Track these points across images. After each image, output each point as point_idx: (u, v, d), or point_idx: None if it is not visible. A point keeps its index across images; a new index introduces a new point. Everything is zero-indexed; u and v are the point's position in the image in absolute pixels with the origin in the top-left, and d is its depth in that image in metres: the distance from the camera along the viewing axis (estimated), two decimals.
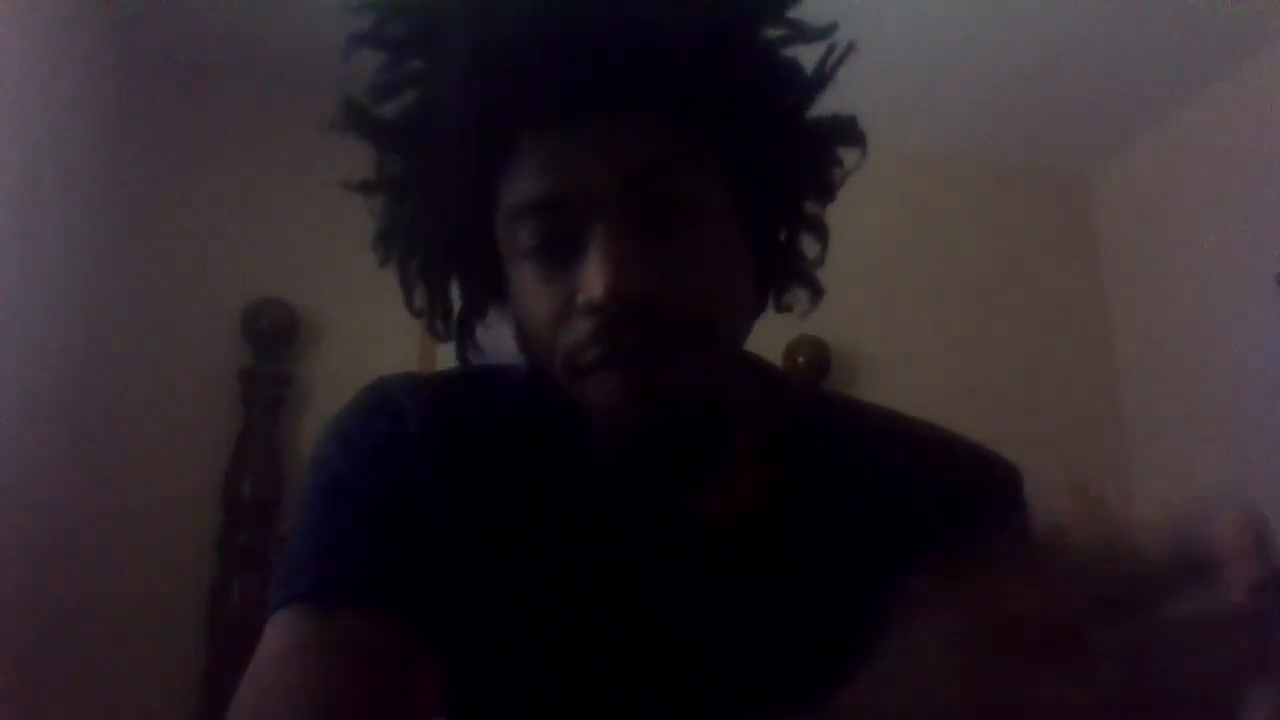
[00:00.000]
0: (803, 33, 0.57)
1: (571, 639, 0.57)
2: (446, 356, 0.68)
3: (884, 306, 2.45)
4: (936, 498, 0.61)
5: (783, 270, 0.63)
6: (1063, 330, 2.66)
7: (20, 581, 1.74)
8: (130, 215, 2.15)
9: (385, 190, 0.60)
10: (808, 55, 0.59)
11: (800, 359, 2.27)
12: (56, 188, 1.86)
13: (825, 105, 0.60)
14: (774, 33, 0.57)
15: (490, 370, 0.65)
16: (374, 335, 2.08)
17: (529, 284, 0.55)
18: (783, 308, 0.64)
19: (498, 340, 0.64)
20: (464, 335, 0.64)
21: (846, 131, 0.60)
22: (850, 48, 0.58)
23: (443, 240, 0.60)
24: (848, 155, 0.62)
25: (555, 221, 0.53)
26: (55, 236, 1.87)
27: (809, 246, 0.64)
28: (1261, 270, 2.16)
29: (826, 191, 0.62)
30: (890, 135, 0.66)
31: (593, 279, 0.51)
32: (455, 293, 0.63)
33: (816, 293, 0.64)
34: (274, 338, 2.11)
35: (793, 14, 0.57)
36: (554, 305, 0.54)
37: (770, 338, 0.58)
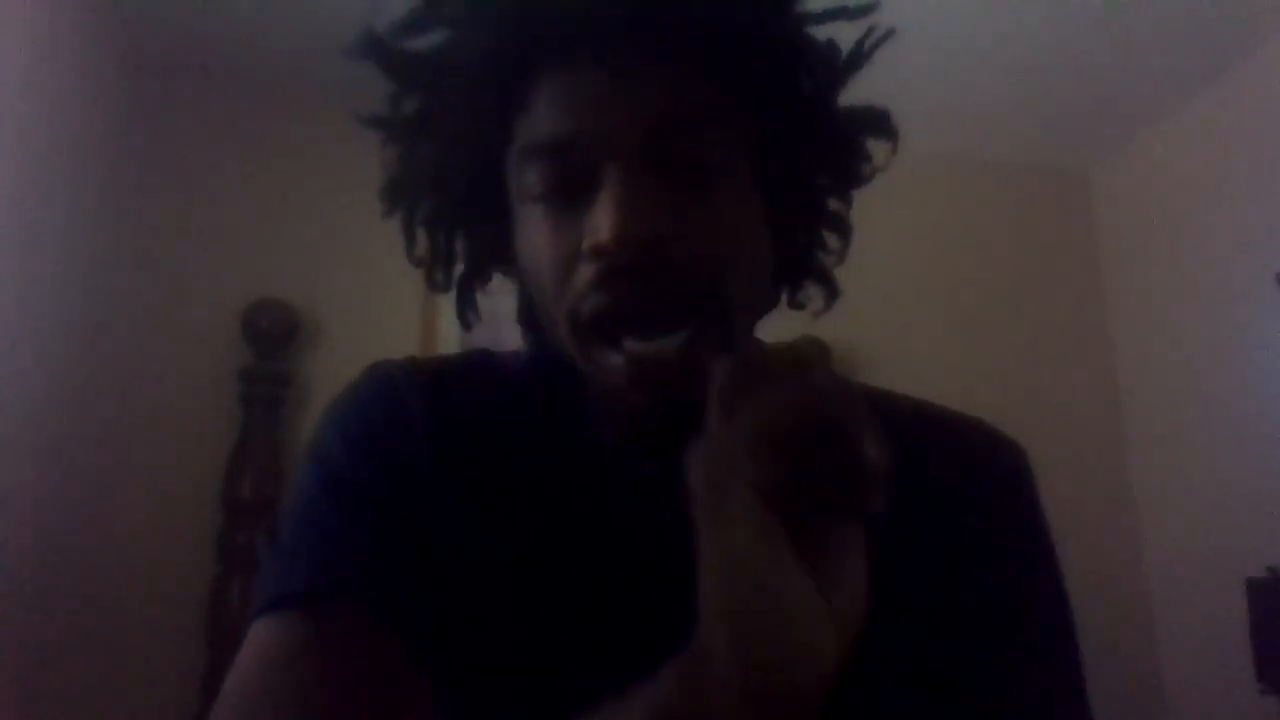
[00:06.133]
0: (842, 10, 0.55)
1: (581, 632, 0.55)
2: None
3: (884, 306, 2.45)
4: (947, 471, 0.59)
5: (800, 265, 0.60)
6: (1062, 329, 2.66)
7: (21, 581, 1.74)
8: (130, 215, 2.15)
9: (399, 129, 0.57)
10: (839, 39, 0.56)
11: None
12: (57, 188, 1.86)
13: (855, 97, 0.58)
14: (810, 9, 0.55)
15: (490, 354, 0.63)
16: (374, 335, 2.08)
17: (536, 229, 0.52)
18: (796, 305, 0.62)
19: (497, 324, 0.62)
20: (466, 295, 0.61)
21: (879, 123, 0.58)
22: (890, 32, 0.55)
23: (455, 182, 0.57)
24: (878, 150, 0.59)
25: (567, 163, 0.51)
26: (56, 237, 1.87)
27: (829, 244, 0.61)
28: (1261, 270, 2.16)
29: (852, 184, 0.59)
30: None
31: (600, 220, 0.48)
32: (460, 250, 0.60)
33: (832, 293, 0.61)
34: (274, 338, 2.11)
35: None
36: (560, 252, 0.51)
37: (770, 337, 0.58)
